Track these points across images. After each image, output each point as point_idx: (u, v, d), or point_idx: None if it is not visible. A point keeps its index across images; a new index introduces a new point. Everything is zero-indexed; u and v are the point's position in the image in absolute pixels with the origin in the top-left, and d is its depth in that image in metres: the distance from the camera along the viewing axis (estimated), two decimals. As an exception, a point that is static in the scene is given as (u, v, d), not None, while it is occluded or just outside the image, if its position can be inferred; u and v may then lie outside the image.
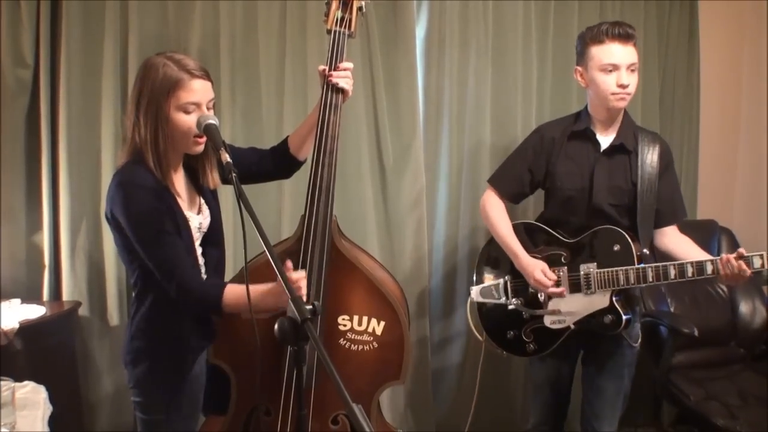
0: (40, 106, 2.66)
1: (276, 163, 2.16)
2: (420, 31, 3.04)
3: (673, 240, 2.40)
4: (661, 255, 2.38)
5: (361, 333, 2.01)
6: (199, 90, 1.76)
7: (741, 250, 2.14)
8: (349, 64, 2.05)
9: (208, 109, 1.80)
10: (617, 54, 2.25)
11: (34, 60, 2.65)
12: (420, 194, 3.03)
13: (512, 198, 2.54)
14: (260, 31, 2.83)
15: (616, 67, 2.26)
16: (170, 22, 2.75)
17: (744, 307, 3.13)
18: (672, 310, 3.09)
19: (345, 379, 1.18)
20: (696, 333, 2.66)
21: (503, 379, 3.24)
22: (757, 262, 2.12)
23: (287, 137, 2.18)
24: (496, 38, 3.12)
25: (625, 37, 2.26)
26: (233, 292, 1.80)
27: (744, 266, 2.11)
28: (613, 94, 2.28)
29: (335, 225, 2.07)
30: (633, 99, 3.34)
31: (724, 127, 3.81)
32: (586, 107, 2.43)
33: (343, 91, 2.04)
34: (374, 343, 2.01)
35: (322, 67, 2.04)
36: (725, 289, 3.18)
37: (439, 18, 3.03)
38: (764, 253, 2.12)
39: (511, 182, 2.50)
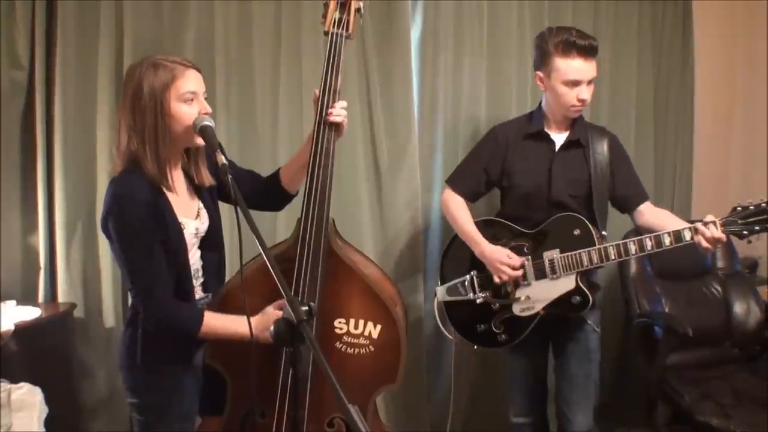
0: (36, 108, 2.65)
1: (267, 197, 2.16)
2: (415, 32, 3.04)
3: (652, 213, 2.48)
4: (645, 233, 2.42)
5: (357, 336, 2.00)
6: (194, 79, 1.80)
7: (709, 216, 2.22)
8: (344, 103, 2.01)
9: (205, 98, 1.82)
10: (582, 70, 2.31)
11: (29, 61, 2.64)
12: (415, 195, 3.04)
13: (469, 197, 2.61)
14: (255, 31, 2.83)
15: (579, 83, 2.33)
16: (165, 23, 2.75)
17: (738, 308, 3.14)
18: (666, 310, 3.09)
19: (340, 383, 1.18)
20: (690, 333, 2.67)
21: (499, 379, 3.24)
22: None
23: (279, 169, 2.16)
24: (491, 38, 3.12)
25: (591, 51, 2.31)
26: (213, 323, 1.84)
27: (719, 229, 2.19)
28: (572, 106, 2.36)
29: (333, 228, 2.06)
30: (627, 100, 3.41)
31: (718, 127, 3.82)
32: (539, 106, 2.51)
33: (338, 127, 2.01)
34: (370, 347, 2.00)
35: (316, 92, 2.01)
36: (720, 289, 3.19)
37: (434, 18, 3.03)
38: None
39: (468, 182, 2.58)
